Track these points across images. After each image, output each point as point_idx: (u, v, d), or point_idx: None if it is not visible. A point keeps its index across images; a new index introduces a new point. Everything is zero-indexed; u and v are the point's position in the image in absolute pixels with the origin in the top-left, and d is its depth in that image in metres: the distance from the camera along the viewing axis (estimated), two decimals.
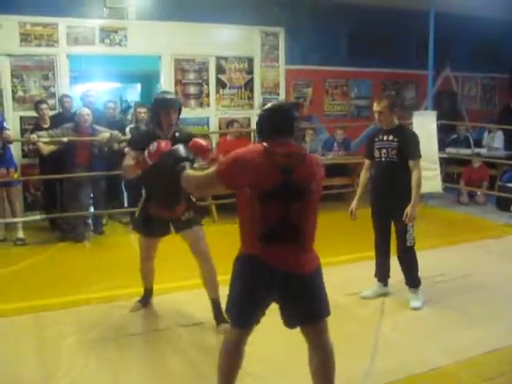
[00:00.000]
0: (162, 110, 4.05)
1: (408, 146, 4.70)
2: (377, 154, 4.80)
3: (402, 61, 10.68)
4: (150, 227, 4.27)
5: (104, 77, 11.62)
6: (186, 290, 5.03)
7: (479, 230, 7.47)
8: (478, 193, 9.37)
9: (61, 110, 7.91)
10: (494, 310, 4.70)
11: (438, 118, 8.92)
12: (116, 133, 7.21)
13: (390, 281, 5.03)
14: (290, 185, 2.72)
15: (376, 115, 4.77)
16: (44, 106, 7.55)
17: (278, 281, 2.74)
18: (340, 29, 10.36)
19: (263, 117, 2.92)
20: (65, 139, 6.88)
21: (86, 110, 7.13)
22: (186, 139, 3.82)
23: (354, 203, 4.88)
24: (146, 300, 4.73)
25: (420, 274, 4.86)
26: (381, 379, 3.48)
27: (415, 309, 4.69)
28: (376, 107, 4.75)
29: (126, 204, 8.17)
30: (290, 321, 2.89)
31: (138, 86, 12.52)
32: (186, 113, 9.14)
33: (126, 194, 8.26)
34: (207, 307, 4.27)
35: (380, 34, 10.41)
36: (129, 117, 9.46)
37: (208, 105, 9.44)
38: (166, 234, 4.35)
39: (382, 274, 5.03)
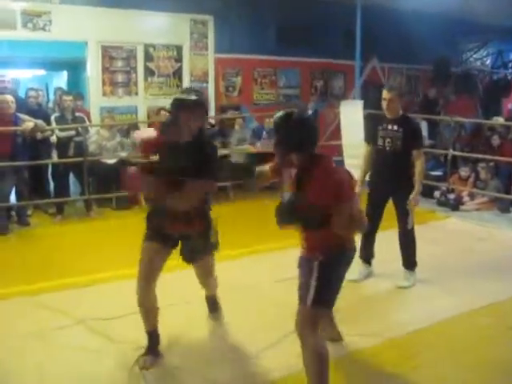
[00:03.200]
0: (180, 112, 3.42)
1: (412, 136, 4.87)
2: (380, 141, 4.91)
3: (330, 51, 10.84)
4: (162, 234, 3.56)
5: (27, 64, 11.20)
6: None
7: None
8: None
9: None
10: (421, 290, 4.96)
11: (365, 107, 9.10)
12: (40, 122, 7.00)
13: None
14: None
15: (385, 103, 4.87)
16: None
17: None
18: (269, 18, 10.41)
19: (301, 128, 3.01)
20: None
21: (9, 97, 6.84)
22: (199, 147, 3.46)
23: (359, 189, 4.82)
24: (153, 349, 3.65)
25: None
26: None
27: (403, 287, 4.98)
28: (386, 95, 4.87)
29: (52, 194, 7.97)
30: None
31: (65, 74, 12.17)
32: (114, 101, 9.03)
33: (52, 184, 8.04)
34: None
35: (308, 24, 10.52)
36: (50, 105, 9.17)
37: (136, 93, 9.30)
38: (175, 247, 3.67)
39: (368, 255, 5.22)
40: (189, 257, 3.67)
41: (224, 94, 10.24)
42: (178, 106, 3.42)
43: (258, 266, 5.47)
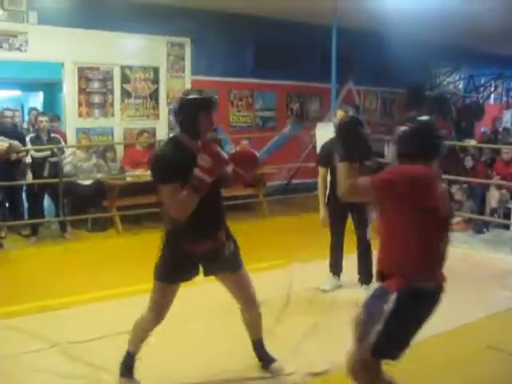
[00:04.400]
0: (201, 111, 3.11)
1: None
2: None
3: (306, 74, 10.96)
4: (178, 270, 3.27)
5: (3, 84, 11.11)
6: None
7: None
8: None
9: None
10: None
11: None
12: (16, 143, 6.92)
13: None
14: None
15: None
16: None
17: None
18: (246, 41, 10.50)
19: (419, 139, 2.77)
20: None
21: None
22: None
23: (324, 213, 5.25)
24: (130, 371, 3.49)
25: None
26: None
27: None
28: (341, 116, 4.94)
29: (26, 216, 7.87)
30: None
31: (41, 95, 12.09)
32: (90, 122, 9.00)
33: (26, 206, 7.95)
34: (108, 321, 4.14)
35: (285, 47, 10.66)
36: (24, 125, 9.11)
37: (112, 115, 9.27)
38: (194, 277, 3.40)
39: (338, 269, 5.49)
40: (229, 266, 3.38)
41: None
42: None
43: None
